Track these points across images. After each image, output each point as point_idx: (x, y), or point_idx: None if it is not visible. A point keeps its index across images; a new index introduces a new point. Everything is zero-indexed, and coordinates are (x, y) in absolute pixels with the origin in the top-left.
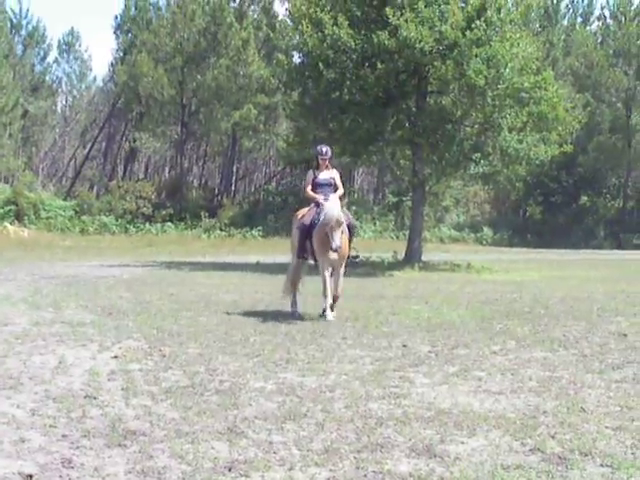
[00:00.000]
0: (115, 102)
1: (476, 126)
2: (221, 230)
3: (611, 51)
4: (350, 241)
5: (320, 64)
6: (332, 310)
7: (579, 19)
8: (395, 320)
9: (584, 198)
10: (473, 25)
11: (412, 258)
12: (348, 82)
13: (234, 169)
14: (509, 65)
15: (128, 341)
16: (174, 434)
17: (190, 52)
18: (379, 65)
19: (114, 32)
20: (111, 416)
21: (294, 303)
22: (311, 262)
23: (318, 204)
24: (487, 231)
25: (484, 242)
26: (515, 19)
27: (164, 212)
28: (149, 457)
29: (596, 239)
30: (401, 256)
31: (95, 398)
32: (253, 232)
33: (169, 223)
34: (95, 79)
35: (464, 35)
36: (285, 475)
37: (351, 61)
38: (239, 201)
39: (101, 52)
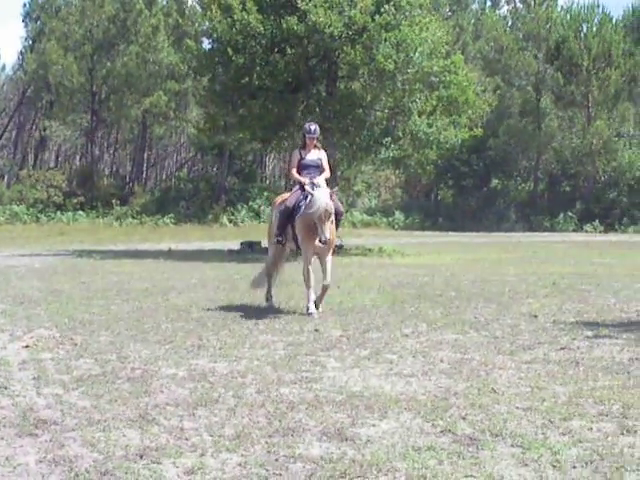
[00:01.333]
0: (25, 90)
1: (386, 110)
2: (133, 218)
3: (521, 35)
4: (337, 228)
5: (229, 50)
6: (319, 303)
7: (488, 3)
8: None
9: (495, 181)
10: (382, 10)
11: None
12: (258, 67)
13: (145, 156)
14: (418, 49)
15: (39, 330)
16: (85, 422)
17: (100, 39)
18: (289, 50)
19: (23, 20)
20: (22, 406)
21: (270, 296)
22: (291, 248)
23: (303, 187)
24: (399, 215)
25: (396, 226)
26: (424, 3)
27: (75, 200)
28: (60, 446)
29: (507, 222)
30: None
31: (6, 388)
32: (165, 219)
33: (80, 211)
34: (4, 68)
35: (373, 20)
36: (197, 461)
37: (260, 46)
38: (151, 188)
39: (10, 41)
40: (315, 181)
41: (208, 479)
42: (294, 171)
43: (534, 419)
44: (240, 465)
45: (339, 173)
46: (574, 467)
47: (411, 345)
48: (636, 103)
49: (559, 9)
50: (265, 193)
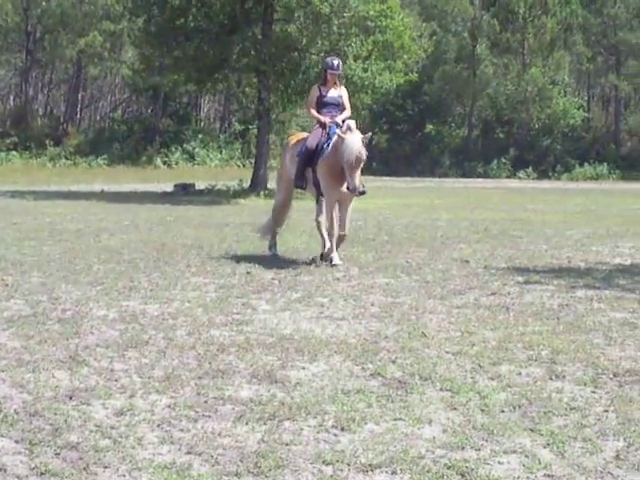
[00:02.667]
0: None
1: (322, 54)
2: (66, 159)
3: None
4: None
5: None
6: (331, 254)
7: None
8: (239, 247)
9: (429, 127)
10: None
11: (258, 186)
12: (193, 9)
13: (79, 97)
14: None
15: None
16: (15, 363)
17: None
18: None
19: None
20: None
21: (274, 245)
22: (311, 193)
23: (324, 126)
24: None
25: None
26: None
27: (8, 141)
28: None
29: (441, 167)
30: (247, 184)
31: None
32: (98, 160)
33: (14, 152)
34: None
35: None
36: (126, 402)
37: None
38: (84, 129)
39: None
40: (337, 120)
41: (137, 420)
42: (313, 109)
43: (463, 363)
44: (169, 407)
45: (274, 116)
46: (502, 411)
47: (342, 289)
48: (571, 51)
49: None
50: (199, 135)
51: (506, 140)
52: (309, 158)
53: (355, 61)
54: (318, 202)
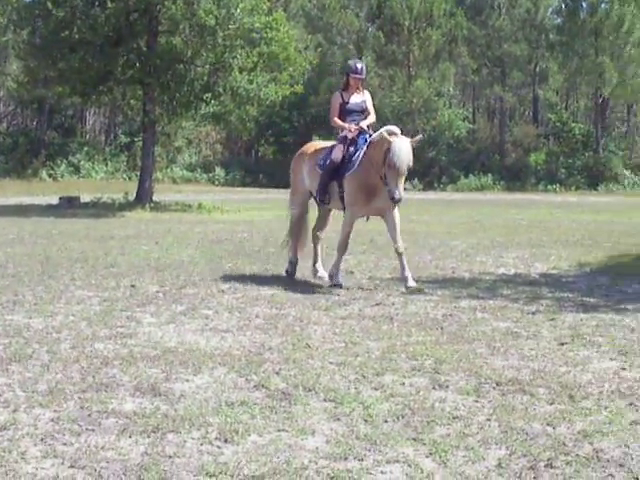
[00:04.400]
0: None
1: (207, 66)
2: None
3: None
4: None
5: (49, 2)
6: (407, 273)
7: None
8: (124, 260)
9: (316, 138)
10: None
11: (143, 199)
12: (78, 21)
13: None
14: (240, 5)
15: None
16: None
17: None
18: (109, 4)
19: None
20: None
21: (293, 264)
22: (337, 208)
23: (344, 139)
24: (219, 171)
25: (216, 182)
26: None
27: None
28: None
29: None
30: (132, 197)
31: None
32: None
33: None
34: None
35: None
36: (9, 417)
37: (81, 0)
38: None
39: None
40: (363, 126)
41: (20, 435)
42: (335, 117)
43: (347, 374)
44: (53, 420)
45: (159, 129)
46: (385, 421)
47: (227, 301)
48: (456, 63)
49: None
50: (85, 148)
51: None
52: (334, 171)
53: (240, 73)
54: (326, 218)
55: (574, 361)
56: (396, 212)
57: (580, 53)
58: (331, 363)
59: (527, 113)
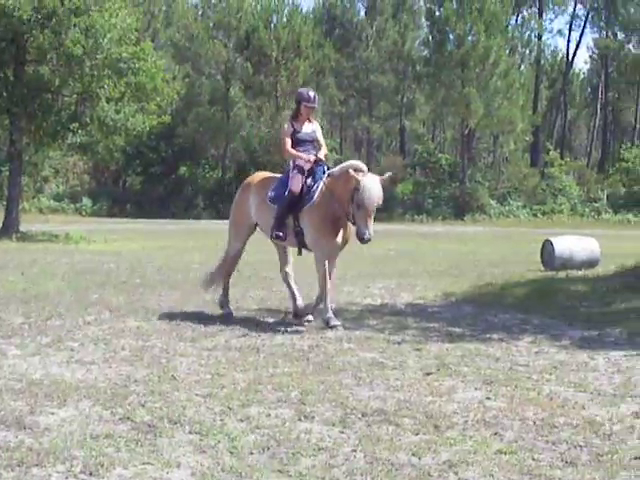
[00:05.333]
0: None
1: (74, 96)
2: None
3: (211, 23)
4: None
5: None
6: (313, 311)
7: None
8: None
9: (183, 169)
10: None
11: (9, 229)
12: None
13: None
14: (108, 35)
15: None
16: None
17: None
18: None
19: None
20: None
21: (226, 302)
22: (291, 245)
23: (300, 169)
24: (87, 201)
25: (84, 212)
26: None
27: None
28: None
29: (195, 209)
30: None
31: None
32: None
33: None
34: None
35: (62, 4)
36: None
37: None
38: None
39: None
40: (321, 157)
41: None
42: (289, 146)
43: (213, 406)
44: None
45: (26, 158)
46: (251, 453)
47: (93, 332)
48: (324, 94)
49: None
50: None
51: None
52: (295, 204)
53: (108, 103)
54: (285, 252)
55: (439, 391)
56: (336, 262)
57: (447, 84)
58: (197, 395)
59: (394, 144)
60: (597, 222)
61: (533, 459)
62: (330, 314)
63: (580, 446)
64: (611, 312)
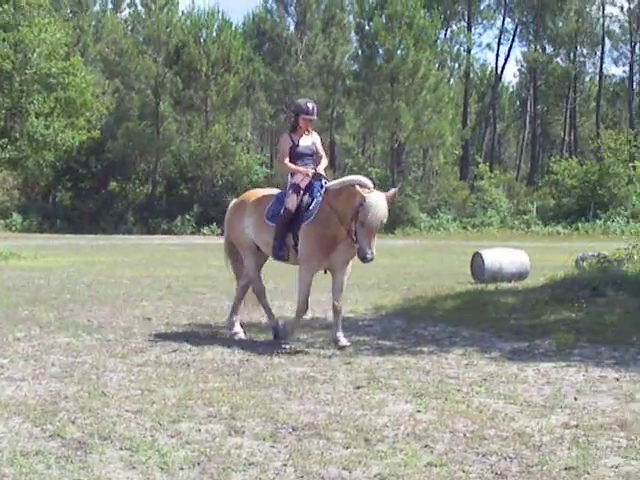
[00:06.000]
0: None
1: (4, 111)
2: None
3: (141, 38)
4: None
5: None
6: (338, 331)
7: (110, 6)
8: None
9: (113, 184)
10: (1, 9)
11: None
12: None
13: None
14: (37, 50)
15: None
16: None
17: None
18: None
19: None
20: None
21: (276, 327)
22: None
23: (296, 186)
24: (16, 217)
25: (14, 228)
26: (44, 4)
27: None
28: None
29: (126, 224)
30: None
31: None
32: None
33: None
34: None
35: None
36: None
37: None
38: None
39: None
40: (321, 172)
41: None
42: (287, 160)
43: (143, 422)
44: None
45: None
46: (182, 469)
47: (23, 349)
48: (254, 108)
49: (180, 14)
50: None
51: (190, 196)
52: (291, 221)
53: (37, 118)
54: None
55: (370, 404)
56: (349, 269)
57: (376, 98)
58: (127, 411)
59: None
60: (526, 234)
61: (463, 471)
62: (292, 335)
63: (510, 458)
64: (540, 324)
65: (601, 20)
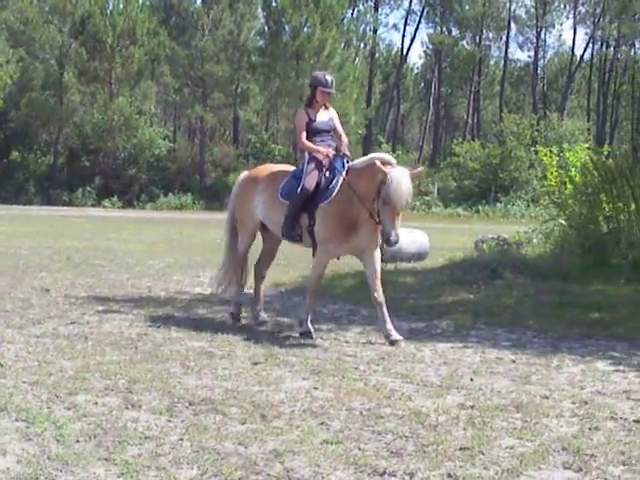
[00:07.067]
0: None
1: None
2: None
3: (47, 8)
4: None
5: None
6: (386, 324)
7: None
8: None
9: (15, 154)
10: None
11: None
12: None
13: None
14: None
15: None
16: None
17: None
18: None
19: None
20: None
21: (239, 305)
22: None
23: (317, 162)
24: None
25: None
26: None
27: None
28: None
29: (26, 195)
30: None
31: None
32: None
33: None
34: None
35: None
36: None
37: None
38: None
39: None
40: (346, 152)
41: None
42: (304, 136)
43: (40, 393)
44: None
45: None
46: (77, 441)
47: None
48: (158, 82)
49: None
50: None
51: (92, 169)
52: (308, 201)
53: None
54: (266, 249)
55: (267, 380)
56: (377, 254)
57: (281, 75)
58: (24, 382)
59: (228, 133)
60: (427, 215)
61: (359, 449)
62: (308, 324)
63: (406, 436)
64: (439, 305)
65: (507, 4)
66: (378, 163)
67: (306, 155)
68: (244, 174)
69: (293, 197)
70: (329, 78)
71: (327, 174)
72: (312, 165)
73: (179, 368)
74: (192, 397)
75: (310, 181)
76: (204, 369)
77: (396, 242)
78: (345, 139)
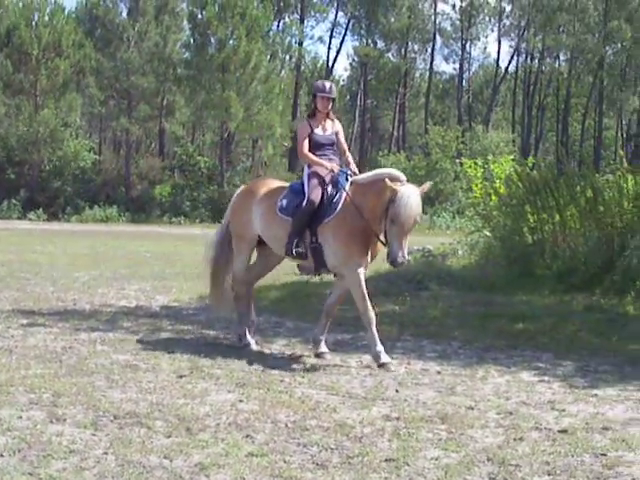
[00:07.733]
0: None
1: None
2: None
3: None
4: None
5: None
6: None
7: None
8: None
9: None
10: None
11: None
12: None
13: None
14: None
15: None
16: None
17: None
18: None
19: None
20: None
21: (244, 334)
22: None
23: (319, 177)
24: None
25: None
26: None
27: None
28: None
29: None
30: None
31: None
32: None
33: None
34: None
35: None
36: None
37: None
38: None
39: None
40: (354, 169)
41: None
42: (306, 148)
43: None
44: None
45: None
46: (2, 455)
47: None
48: (84, 93)
49: None
50: None
51: (17, 181)
52: (312, 216)
53: None
54: (261, 262)
55: (192, 394)
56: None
57: (207, 87)
58: None
59: (153, 146)
60: None
61: (284, 461)
62: (380, 347)
63: (331, 448)
64: None
65: (433, 17)
66: (387, 181)
67: (306, 169)
68: (242, 187)
69: (298, 212)
70: (328, 84)
71: (329, 188)
72: (315, 180)
73: (104, 381)
74: (117, 411)
75: (316, 194)
76: (129, 382)
77: (402, 264)
78: (349, 155)
